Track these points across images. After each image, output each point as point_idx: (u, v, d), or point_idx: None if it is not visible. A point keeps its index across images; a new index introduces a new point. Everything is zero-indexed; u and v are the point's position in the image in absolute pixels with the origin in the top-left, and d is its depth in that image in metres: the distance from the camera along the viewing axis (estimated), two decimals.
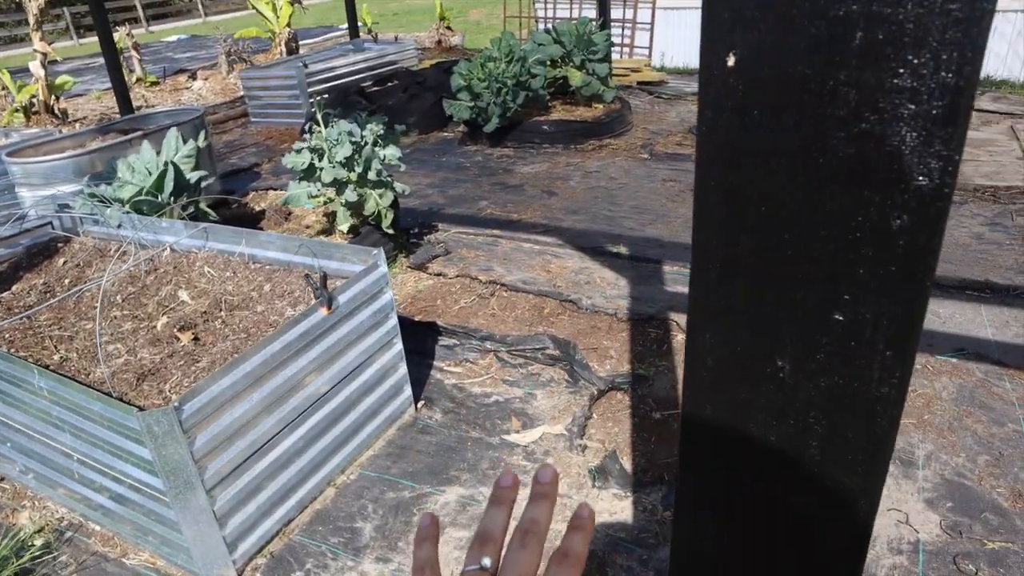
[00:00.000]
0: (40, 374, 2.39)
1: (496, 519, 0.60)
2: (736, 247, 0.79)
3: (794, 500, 0.89)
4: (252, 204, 4.95)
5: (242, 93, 9.14)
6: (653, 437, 2.95)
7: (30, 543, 2.65)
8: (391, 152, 4.04)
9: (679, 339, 3.57)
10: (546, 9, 11.26)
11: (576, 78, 7.02)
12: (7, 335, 3.01)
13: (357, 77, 8.49)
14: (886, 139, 0.67)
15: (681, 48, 10.72)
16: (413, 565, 0.59)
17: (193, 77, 11.86)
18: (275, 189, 5.36)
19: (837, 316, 0.76)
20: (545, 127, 6.75)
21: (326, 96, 4.55)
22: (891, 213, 0.69)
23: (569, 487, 2.71)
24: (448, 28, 13.09)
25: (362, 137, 3.97)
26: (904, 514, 2.48)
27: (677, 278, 4.16)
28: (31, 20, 8.89)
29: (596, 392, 3.21)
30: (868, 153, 0.68)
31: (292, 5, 10.87)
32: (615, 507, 2.61)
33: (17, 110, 9.26)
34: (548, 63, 6.89)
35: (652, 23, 10.50)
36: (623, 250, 4.56)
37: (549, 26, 10.69)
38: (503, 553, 0.57)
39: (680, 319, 3.71)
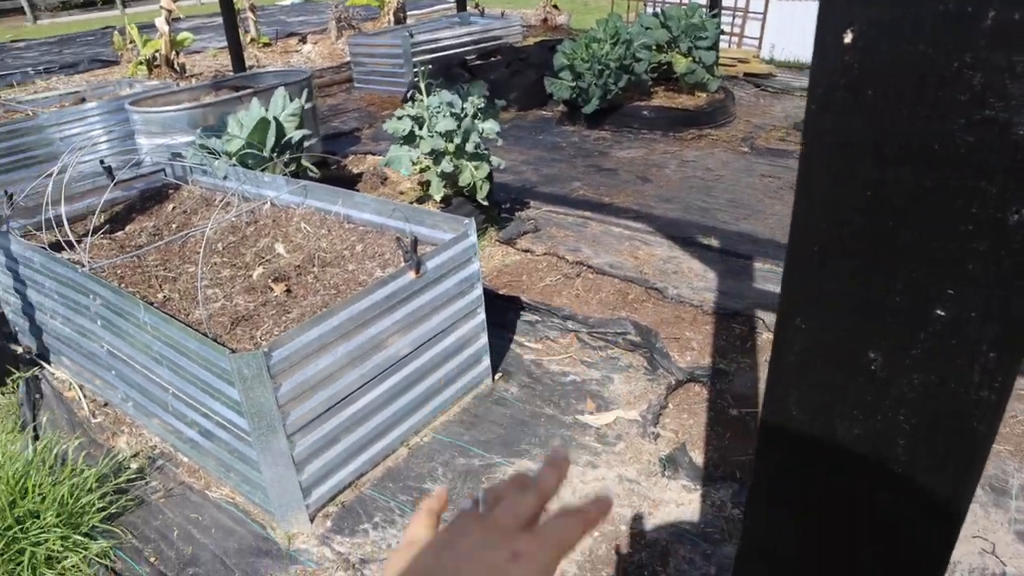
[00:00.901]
0: (146, 310, 2.53)
1: (510, 486, 0.62)
2: (840, 230, 0.77)
3: (879, 497, 0.86)
4: (350, 166, 5.08)
5: (348, 59, 9.34)
6: (728, 433, 2.89)
7: (127, 465, 2.82)
8: (490, 126, 4.06)
9: (764, 337, 3.48)
10: None
11: (681, 64, 6.87)
12: (119, 271, 3.19)
13: (461, 50, 8.55)
14: (1011, 128, 0.63)
15: (794, 40, 10.33)
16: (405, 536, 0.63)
17: (303, 41, 12.20)
18: (373, 154, 5.47)
19: (939, 311, 0.73)
20: (645, 112, 6.64)
21: (429, 66, 4.60)
22: (1009, 207, 0.65)
23: (639, 474, 2.69)
24: (555, 7, 13.00)
25: (463, 109, 4.01)
26: (991, 544, 2.36)
27: (768, 276, 4.05)
28: None
29: (674, 382, 3.17)
30: (989, 142, 0.64)
31: None
32: (683, 499, 2.58)
33: (141, 63, 9.74)
34: (653, 47, 6.77)
35: (764, 13, 10.15)
36: (714, 243, 4.46)
37: (657, 10, 10.49)
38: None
39: (768, 318, 3.61)
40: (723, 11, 8.87)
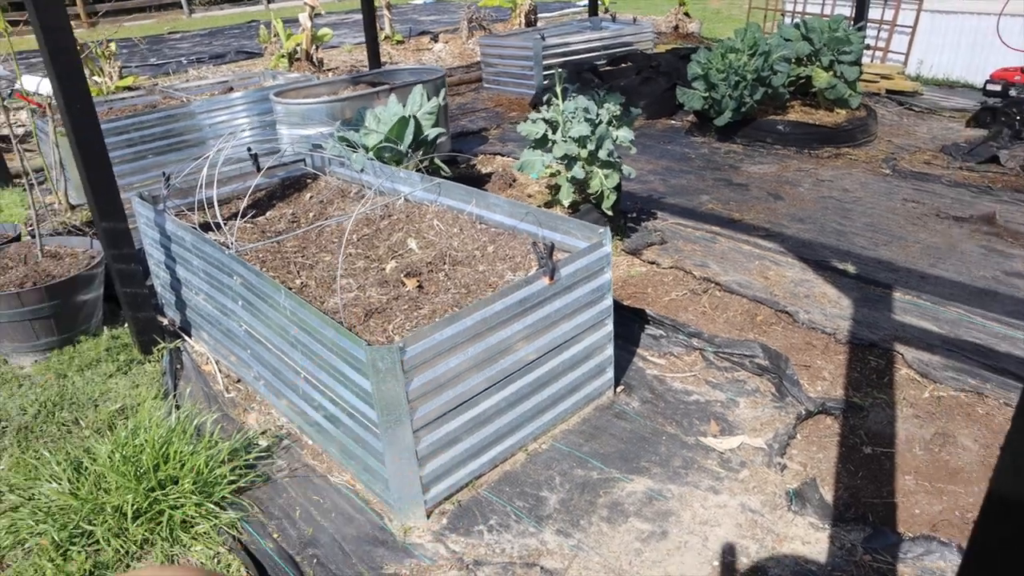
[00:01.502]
0: (287, 295, 2.63)
1: None
2: None
3: None
4: (480, 166, 5.13)
5: (478, 59, 9.47)
6: (860, 472, 2.73)
7: (256, 442, 2.95)
8: (624, 134, 4.00)
9: (903, 373, 3.27)
10: (795, 2, 10.63)
11: (821, 79, 6.58)
12: (261, 255, 3.34)
13: (592, 55, 8.51)
14: None
15: (945, 57, 9.72)
16: None
17: (435, 39, 12.48)
18: (502, 155, 5.52)
19: None
20: (780, 127, 6.40)
21: (563, 72, 4.58)
22: None
23: (762, 505, 2.57)
24: (686, 14, 12.76)
25: (597, 115, 3.97)
26: None
27: (907, 307, 3.80)
28: None
29: (804, 412, 3.02)
30: None
31: None
32: (809, 537, 2.45)
33: (283, 56, 10.22)
34: (792, 60, 6.51)
35: (914, 27, 9.59)
36: (850, 268, 4.24)
37: (798, 20, 10.11)
38: None
39: (907, 352, 3.39)
40: (869, 23, 8.43)
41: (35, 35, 3.07)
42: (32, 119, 5.52)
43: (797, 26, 6.88)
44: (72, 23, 3.20)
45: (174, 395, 3.33)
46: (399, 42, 12.28)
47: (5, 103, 6.50)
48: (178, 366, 3.60)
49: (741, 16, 15.84)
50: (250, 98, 6.66)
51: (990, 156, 5.93)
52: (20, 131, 8.13)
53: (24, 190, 6.39)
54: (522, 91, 8.25)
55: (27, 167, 4.33)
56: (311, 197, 4.25)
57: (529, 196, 4.48)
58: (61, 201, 5.39)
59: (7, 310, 3.53)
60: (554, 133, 4.01)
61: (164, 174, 4.06)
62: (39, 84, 4.73)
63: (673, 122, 7.19)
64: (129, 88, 9.13)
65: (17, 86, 4.68)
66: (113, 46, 9.48)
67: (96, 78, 9.03)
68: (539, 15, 12.33)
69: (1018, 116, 6.31)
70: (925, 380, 3.22)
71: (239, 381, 3.43)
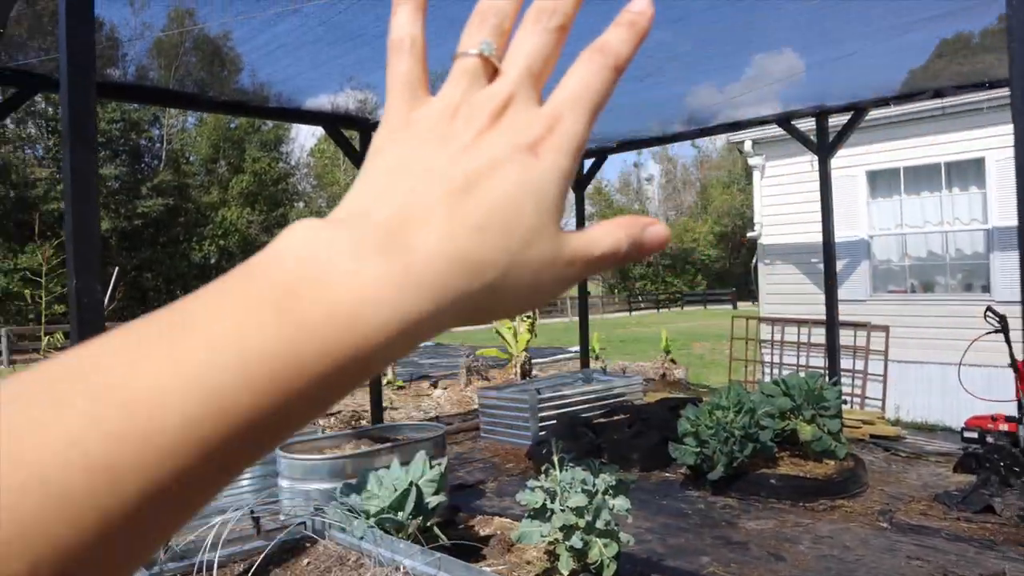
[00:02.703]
0: None
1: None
2: None
3: None
4: (477, 527, 5.15)
5: (475, 406, 9.92)
6: None
7: None
8: (620, 503, 4.12)
9: None
10: (772, 354, 11.46)
11: (806, 432, 6.89)
12: None
13: (584, 406, 8.95)
14: None
15: (919, 402, 10.25)
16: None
17: (434, 385, 13.15)
18: (500, 515, 5.56)
19: None
20: (772, 480, 6.54)
21: (557, 440, 4.84)
22: None
23: None
24: (672, 361, 13.64)
25: (594, 485, 4.12)
26: None
27: None
28: None
29: None
30: None
31: (530, 333, 12.05)
32: None
33: None
34: (777, 415, 6.88)
35: (884, 375, 10.25)
36: None
37: (776, 376, 10.81)
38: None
39: None
40: (843, 372, 9.03)
41: None
42: None
43: (777, 383, 7.38)
44: None
45: None
46: (400, 387, 12.92)
47: None
48: None
49: (723, 360, 16.89)
50: None
51: (984, 506, 6.00)
52: None
53: None
54: (519, 441, 8.51)
55: None
56: (308, 563, 4.22)
57: (528, 563, 4.45)
58: None
59: None
60: (553, 502, 4.12)
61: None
62: None
63: (667, 475, 7.34)
64: None
65: None
66: None
67: None
68: (533, 360, 13.15)
69: (1001, 463, 6.50)
70: None
71: None
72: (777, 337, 11.23)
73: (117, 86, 6.54)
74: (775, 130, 9.72)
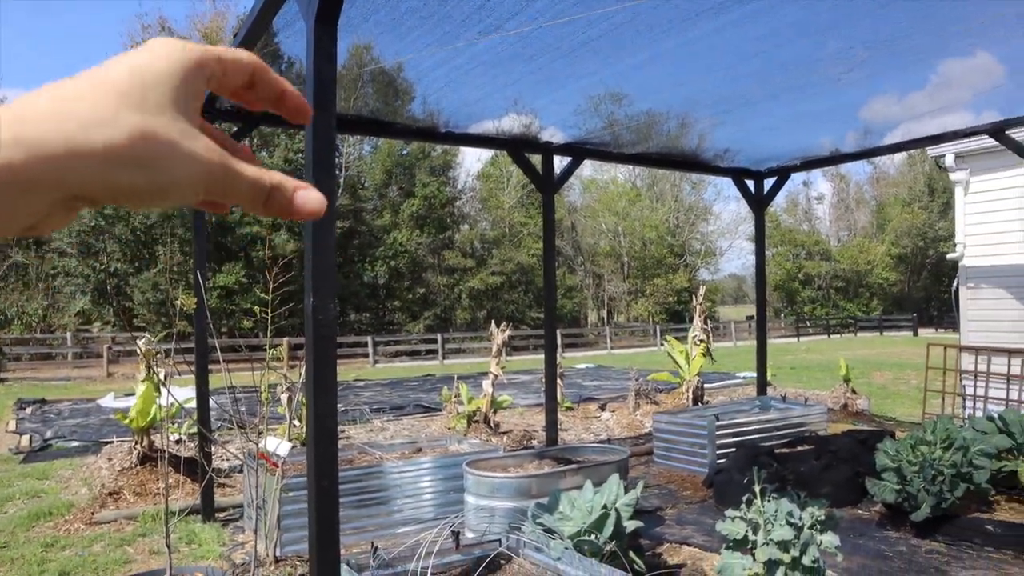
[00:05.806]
0: None
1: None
2: None
3: None
4: (665, 555, 5.06)
5: (646, 430, 9.76)
6: None
7: None
8: (829, 539, 3.90)
9: None
10: (975, 386, 10.46)
11: None
12: None
13: (762, 435, 8.59)
14: None
15: None
16: None
17: (602, 408, 13.09)
18: (687, 545, 5.43)
19: None
20: (988, 527, 5.95)
21: (763, 472, 4.66)
22: None
23: None
24: (853, 391, 12.80)
25: (800, 519, 3.93)
26: None
27: None
28: (493, 349, 10.90)
29: None
30: None
31: (704, 356, 11.74)
32: None
33: (462, 416, 11.03)
34: (994, 455, 6.26)
35: None
36: None
37: (980, 410, 9.87)
38: None
39: None
40: None
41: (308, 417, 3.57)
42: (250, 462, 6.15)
43: (991, 418, 6.73)
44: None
45: None
46: (568, 408, 12.98)
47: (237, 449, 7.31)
48: None
49: (908, 391, 15.67)
50: (437, 463, 7.13)
51: None
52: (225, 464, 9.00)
53: (222, 525, 6.89)
54: (694, 468, 8.29)
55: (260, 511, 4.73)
56: None
57: None
58: (266, 552, 5.72)
59: None
60: (755, 533, 3.97)
61: (372, 544, 4.31)
62: (278, 446, 5.37)
63: (860, 512, 6.86)
64: None
65: (261, 445, 5.33)
66: None
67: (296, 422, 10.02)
68: (705, 387, 12.77)
69: None
70: None
71: None
72: (982, 368, 10.25)
73: (340, 119, 7.05)
74: (982, 142, 8.95)
